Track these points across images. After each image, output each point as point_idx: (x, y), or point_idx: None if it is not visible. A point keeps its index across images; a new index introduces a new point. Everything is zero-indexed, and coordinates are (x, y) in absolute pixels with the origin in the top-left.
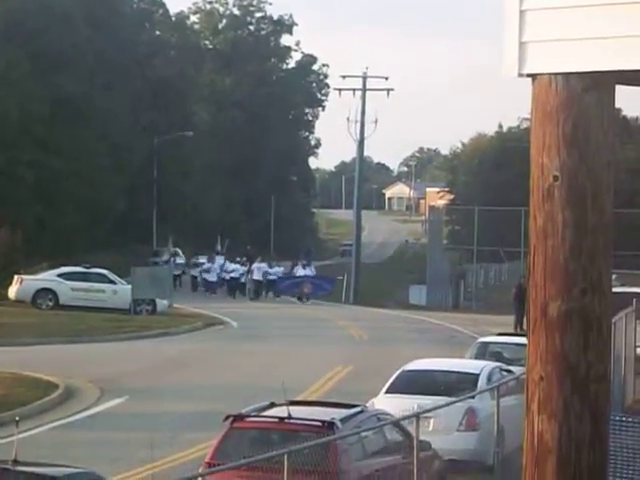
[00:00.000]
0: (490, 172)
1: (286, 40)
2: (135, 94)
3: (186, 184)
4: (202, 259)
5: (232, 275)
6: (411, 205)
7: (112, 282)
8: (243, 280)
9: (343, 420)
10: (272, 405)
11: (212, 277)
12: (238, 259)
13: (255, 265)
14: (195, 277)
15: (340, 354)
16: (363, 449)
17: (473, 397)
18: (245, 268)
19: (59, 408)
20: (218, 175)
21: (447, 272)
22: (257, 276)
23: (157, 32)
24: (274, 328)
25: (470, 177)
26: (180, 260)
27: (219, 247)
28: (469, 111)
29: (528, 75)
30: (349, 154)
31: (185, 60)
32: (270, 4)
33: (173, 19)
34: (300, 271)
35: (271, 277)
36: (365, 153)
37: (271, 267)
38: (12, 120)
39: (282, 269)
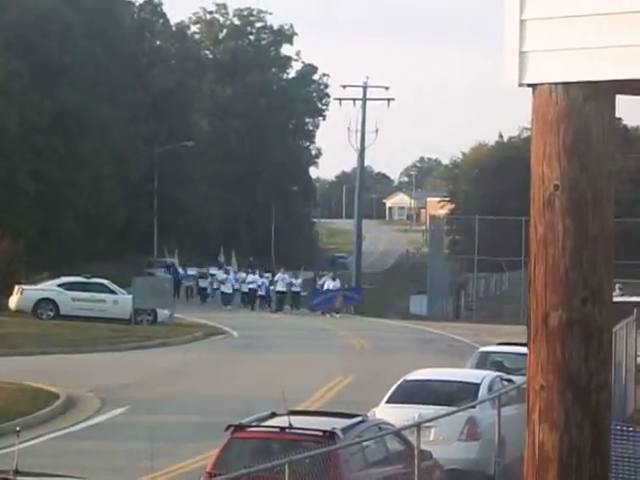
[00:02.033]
0: (491, 181)
1: (286, 50)
2: (135, 104)
3: (186, 194)
4: (212, 270)
5: (250, 286)
6: (412, 215)
7: (113, 292)
8: (261, 292)
9: (344, 430)
10: (273, 415)
11: (228, 288)
12: (245, 269)
13: (279, 276)
14: (204, 288)
15: (341, 364)
16: (364, 459)
17: (474, 407)
18: (262, 279)
19: (60, 418)
20: (218, 185)
21: (448, 282)
22: (281, 287)
23: (157, 42)
24: (274, 338)
25: (471, 187)
26: (191, 271)
27: (222, 258)
28: (469, 121)
29: (528, 85)
30: (350, 164)
31: (185, 70)
32: (270, 14)
33: (173, 29)
34: (329, 283)
35: (295, 288)
36: (366, 163)
37: (296, 278)
38: (13, 130)
39: (300, 280)
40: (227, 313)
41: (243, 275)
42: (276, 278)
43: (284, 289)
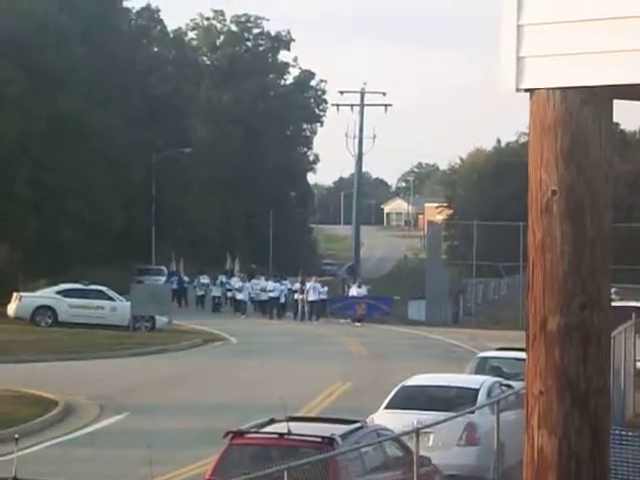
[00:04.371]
0: (488, 187)
1: (284, 56)
2: (133, 111)
3: (184, 201)
4: (223, 278)
5: (271, 294)
6: (410, 220)
7: (111, 299)
8: (282, 300)
9: (343, 436)
10: (272, 421)
11: (244, 296)
12: (266, 277)
13: (310, 285)
14: (217, 297)
15: (340, 370)
16: (363, 465)
17: (473, 412)
18: (282, 287)
19: (59, 425)
20: (216, 191)
21: (446, 287)
22: (313, 296)
23: (155, 49)
24: (273, 344)
25: (469, 192)
26: (204, 280)
27: (228, 265)
28: (467, 126)
29: (526, 90)
30: (347, 170)
31: (183, 76)
32: (268, 20)
33: (171, 35)
34: (354, 291)
35: (322, 297)
36: (363, 169)
37: (322, 286)
38: (10, 138)
39: (327, 288)
40: (223, 319)
41: (263, 283)
42: (307, 287)
43: (316, 298)
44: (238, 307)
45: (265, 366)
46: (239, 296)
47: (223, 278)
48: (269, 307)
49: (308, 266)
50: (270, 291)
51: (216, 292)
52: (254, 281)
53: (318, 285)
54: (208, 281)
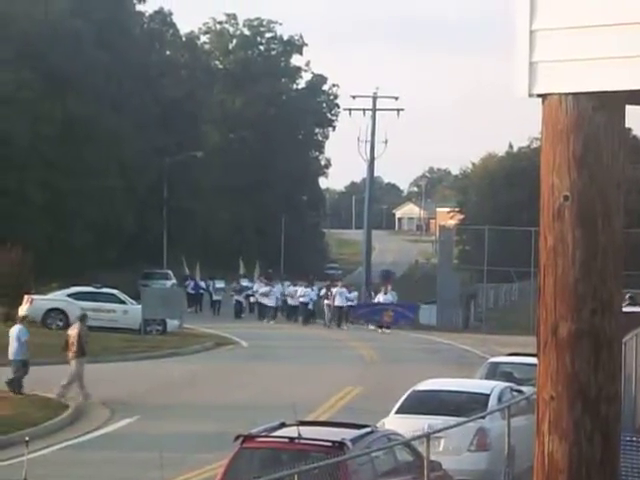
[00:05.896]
0: (500, 192)
1: (296, 60)
2: (145, 114)
3: (196, 204)
4: (244, 282)
5: (301, 300)
6: (421, 225)
7: (122, 302)
8: (311, 306)
9: (353, 440)
10: (282, 425)
11: (271, 302)
12: (293, 282)
13: (337, 290)
14: (240, 302)
15: (351, 374)
16: (373, 469)
17: (484, 417)
18: (312, 293)
19: (69, 428)
20: (228, 195)
21: (457, 292)
22: (339, 302)
23: (167, 52)
24: (284, 348)
25: (480, 197)
26: (219, 284)
27: (242, 270)
28: (479, 131)
29: (538, 95)
30: (359, 174)
31: (195, 80)
32: (280, 24)
33: (183, 39)
34: (380, 297)
35: (350, 303)
36: (375, 173)
37: (349, 292)
38: (22, 141)
39: (356, 294)
40: (244, 324)
41: (292, 288)
42: (334, 292)
43: (343, 304)
44: (264, 312)
45: (275, 370)
46: (265, 301)
47: (245, 282)
48: (297, 313)
49: (319, 270)
50: (301, 296)
51: (238, 297)
52: (288, 286)
53: (345, 290)
54: (224, 285)
